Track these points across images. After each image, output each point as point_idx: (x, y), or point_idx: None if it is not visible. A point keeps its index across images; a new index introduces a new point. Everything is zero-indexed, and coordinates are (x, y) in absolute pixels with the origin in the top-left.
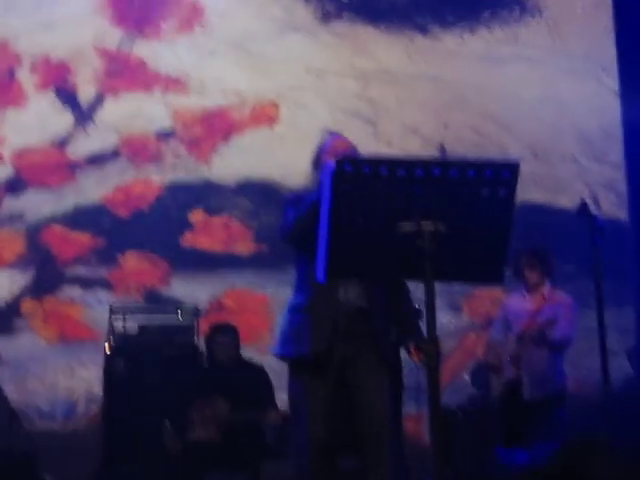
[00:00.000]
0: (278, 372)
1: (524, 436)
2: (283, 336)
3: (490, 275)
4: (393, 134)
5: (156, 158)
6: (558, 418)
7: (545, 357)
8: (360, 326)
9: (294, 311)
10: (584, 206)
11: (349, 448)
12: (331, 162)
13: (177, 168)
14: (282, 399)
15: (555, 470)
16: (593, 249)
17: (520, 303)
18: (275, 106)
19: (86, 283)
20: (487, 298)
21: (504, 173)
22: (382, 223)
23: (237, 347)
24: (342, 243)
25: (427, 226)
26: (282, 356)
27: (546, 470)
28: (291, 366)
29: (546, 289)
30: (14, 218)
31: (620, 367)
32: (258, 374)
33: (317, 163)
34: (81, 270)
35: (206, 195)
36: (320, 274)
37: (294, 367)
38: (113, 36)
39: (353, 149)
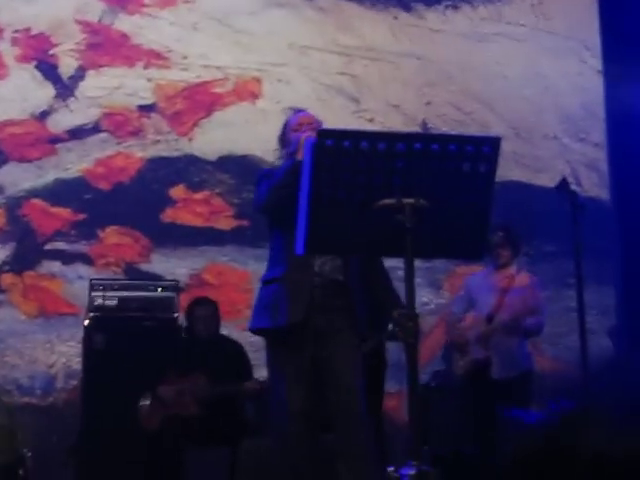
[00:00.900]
0: (256, 348)
1: (493, 415)
2: (258, 309)
3: (470, 251)
4: (376, 111)
5: (137, 132)
6: (527, 395)
7: (512, 338)
8: (336, 299)
9: (269, 283)
10: (564, 183)
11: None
12: (311, 136)
13: (158, 143)
14: (260, 375)
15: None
16: (574, 227)
17: (484, 279)
18: (258, 81)
19: (66, 257)
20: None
21: (485, 148)
22: (362, 197)
23: (217, 321)
24: (322, 217)
25: (407, 201)
26: (258, 329)
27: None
28: (267, 338)
29: (514, 268)
30: None
31: (600, 346)
32: (236, 349)
33: (283, 140)
34: (61, 244)
35: (187, 170)
36: (299, 247)
37: (270, 339)
38: (95, 9)
39: (319, 124)
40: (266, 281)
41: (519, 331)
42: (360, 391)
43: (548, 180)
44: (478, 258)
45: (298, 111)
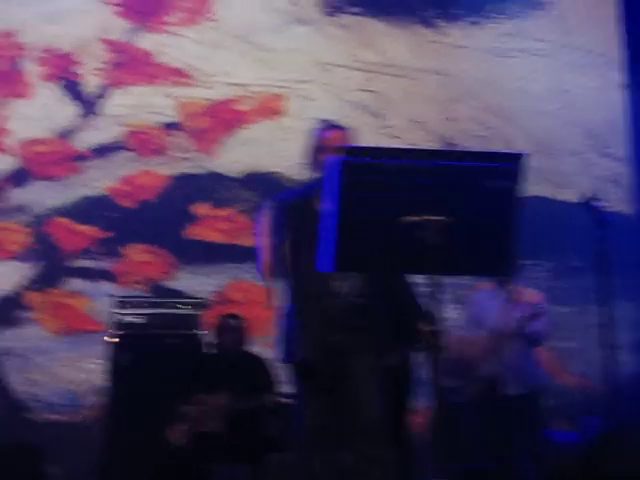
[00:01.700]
0: (282, 366)
1: (507, 430)
2: (281, 342)
3: (496, 268)
4: (399, 127)
5: (162, 150)
6: (539, 410)
7: (522, 353)
8: (355, 320)
9: (288, 317)
10: (589, 200)
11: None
12: (338, 155)
13: (183, 160)
14: (284, 391)
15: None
16: (598, 243)
17: (490, 299)
18: (281, 98)
19: (91, 275)
20: None
21: (510, 164)
22: (388, 214)
23: (244, 336)
24: (349, 234)
25: (432, 218)
26: (282, 361)
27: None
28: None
29: (514, 285)
30: (20, 210)
31: (625, 361)
32: (260, 364)
33: (309, 157)
34: (86, 262)
35: (211, 187)
36: (327, 265)
37: (293, 369)
38: (119, 28)
39: (348, 141)
40: (286, 313)
41: (524, 339)
42: (383, 413)
43: (572, 195)
44: (505, 275)
45: (327, 126)
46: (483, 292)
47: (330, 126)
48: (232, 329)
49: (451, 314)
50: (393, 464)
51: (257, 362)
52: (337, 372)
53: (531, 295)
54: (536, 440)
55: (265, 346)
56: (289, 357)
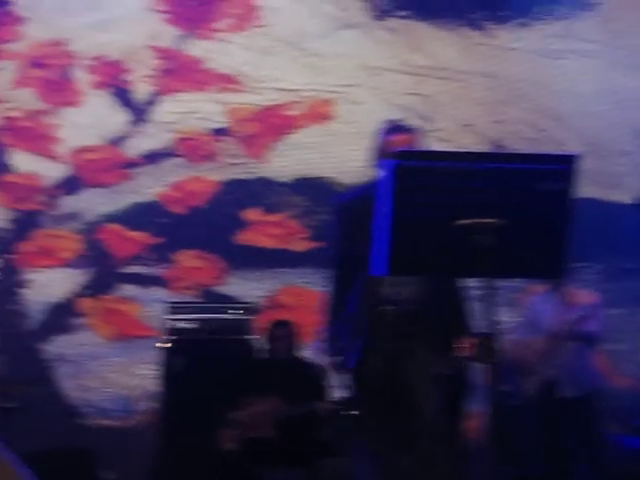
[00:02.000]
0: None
1: (563, 434)
2: (336, 348)
3: (549, 270)
4: (448, 130)
5: (211, 156)
6: (596, 413)
7: (577, 355)
8: (409, 325)
9: (344, 322)
10: None
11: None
12: (390, 159)
13: (233, 166)
14: (337, 396)
15: None
16: None
17: (545, 303)
18: (330, 103)
19: (142, 281)
20: None
21: (563, 166)
22: (441, 217)
23: (295, 342)
24: (403, 238)
25: (486, 221)
26: (338, 367)
27: None
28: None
29: (568, 288)
30: (71, 217)
31: None
32: (313, 370)
33: (378, 156)
34: (138, 268)
35: (262, 193)
36: (381, 268)
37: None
38: (168, 35)
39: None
40: (341, 317)
41: (577, 337)
42: (437, 413)
43: (623, 196)
44: (557, 277)
45: (393, 127)
46: (538, 295)
47: (396, 128)
48: (283, 336)
49: (505, 318)
50: (448, 466)
51: (309, 368)
52: (393, 376)
53: (586, 296)
54: (593, 443)
55: (316, 351)
56: (345, 362)
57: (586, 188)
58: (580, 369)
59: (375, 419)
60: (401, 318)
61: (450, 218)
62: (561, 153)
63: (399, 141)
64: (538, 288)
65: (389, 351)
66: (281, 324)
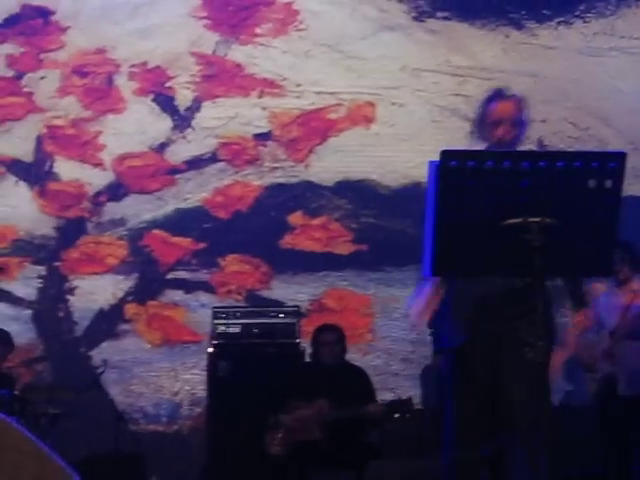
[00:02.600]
0: (379, 372)
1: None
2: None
3: (599, 268)
4: None
5: (254, 161)
6: None
7: (638, 352)
8: (515, 306)
9: (444, 306)
10: None
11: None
12: (435, 159)
13: (275, 170)
14: (382, 399)
15: None
16: None
17: (610, 299)
18: (371, 105)
19: (188, 286)
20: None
21: (611, 164)
22: (488, 218)
23: (342, 347)
24: (449, 239)
25: (534, 220)
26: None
27: None
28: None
29: (636, 284)
30: (116, 223)
31: None
32: (359, 374)
33: (482, 127)
34: (183, 274)
35: (304, 196)
36: (427, 270)
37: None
38: (209, 41)
39: (521, 115)
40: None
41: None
42: (531, 399)
43: None
44: (607, 274)
45: (497, 95)
46: (601, 296)
47: (498, 94)
48: (332, 342)
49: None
50: (539, 452)
51: (356, 372)
52: (489, 359)
53: None
54: None
55: (361, 353)
56: (444, 343)
57: (631, 186)
58: None
59: (470, 402)
60: (504, 297)
61: (497, 218)
62: (609, 150)
63: (503, 108)
64: (601, 286)
65: (488, 333)
66: (329, 329)
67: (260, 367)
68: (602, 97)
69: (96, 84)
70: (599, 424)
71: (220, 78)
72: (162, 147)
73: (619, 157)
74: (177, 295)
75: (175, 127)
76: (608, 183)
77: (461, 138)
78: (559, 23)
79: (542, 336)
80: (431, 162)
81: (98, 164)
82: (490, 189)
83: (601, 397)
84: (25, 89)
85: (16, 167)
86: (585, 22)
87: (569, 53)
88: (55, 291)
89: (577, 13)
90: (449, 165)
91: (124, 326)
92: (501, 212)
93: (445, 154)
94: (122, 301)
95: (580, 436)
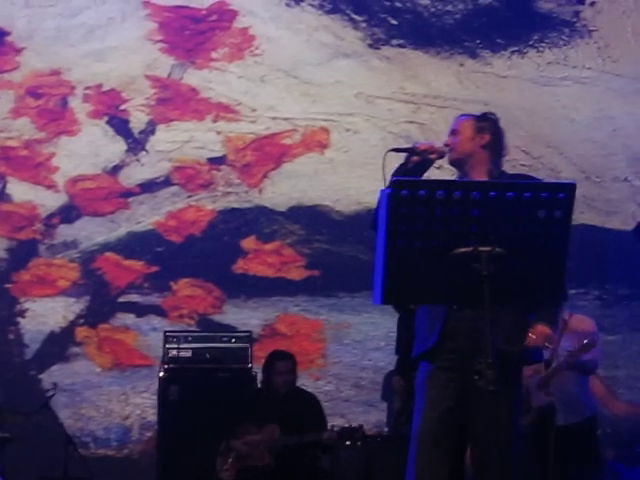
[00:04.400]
0: (330, 398)
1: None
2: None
3: (548, 297)
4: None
5: (208, 185)
6: (593, 441)
7: (575, 382)
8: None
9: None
10: (637, 227)
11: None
12: (386, 188)
13: (229, 195)
14: (335, 425)
15: None
16: None
17: None
18: (326, 131)
19: (140, 310)
20: None
21: (560, 194)
22: (438, 246)
23: (294, 375)
24: (399, 267)
25: (484, 249)
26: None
27: None
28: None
29: (565, 314)
30: (68, 246)
31: None
32: (310, 400)
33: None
34: (135, 297)
35: (258, 221)
36: (377, 298)
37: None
38: (164, 64)
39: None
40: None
41: (576, 368)
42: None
43: (620, 223)
44: (557, 303)
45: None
46: None
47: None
48: (283, 372)
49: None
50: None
51: (308, 398)
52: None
53: (585, 324)
54: (593, 470)
55: (312, 378)
56: (417, 350)
57: (582, 214)
58: (578, 395)
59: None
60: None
61: (447, 247)
62: (559, 181)
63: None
64: None
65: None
66: (282, 357)
67: (211, 392)
68: (555, 126)
69: (50, 106)
70: (536, 455)
71: (175, 102)
72: (116, 170)
73: (569, 188)
74: (129, 318)
75: (129, 150)
76: (558, 213)
77: None
78: (513, 52)
79: (491, 364)
80: (382, 190)
81: (51, 186)
82: (441, 218)
83: (538, 427)
84: None
85: None
86: (539, 52)
87: (523, 82)
88: (5, 313)
89: (531, 43)
90: (400, 194)
91: (75, 349)
92: (451, 241)
93: (396, 183)
94: (73, 324)
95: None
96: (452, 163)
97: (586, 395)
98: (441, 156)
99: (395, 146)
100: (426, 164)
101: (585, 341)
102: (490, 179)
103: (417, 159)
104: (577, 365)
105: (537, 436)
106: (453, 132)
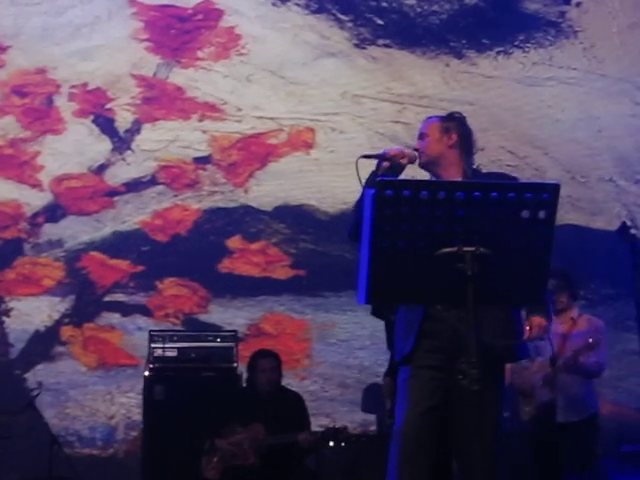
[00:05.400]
0: (315, 397)
1: (559, 459)
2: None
3: (531, 297)
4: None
5: (193, 184)
6: (592, 441)
7: (579, 381)
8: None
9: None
10: (624, 227)
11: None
12: (371, 188)
13: (214, 194)
14: (319, 424)
15: None
16: (634, 271)
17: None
18: (311, 131)
19: (125, 309)
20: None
21: (544, 195)
22: (423, 246)
23: (279, 374)
24: (383, 267)
25: (468, 249)
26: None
27: None
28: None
29: (574, 312)
30: (53, 245)
31: None
32: (295, 400)
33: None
34: (120, 296)
35: (243, 221)
36: (361, 297)
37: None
38: (150, 64)
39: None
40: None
41: (580, 369)
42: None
43: (604, 223)
44: (539, 303)
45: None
46: None
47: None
48: (268, 370)
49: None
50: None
51: (292, 398)
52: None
53: (585, 321)
54: (591, 468)
55: (298, 378)
56: (397, 356)
57: (568, 215)
58: (580, 394)
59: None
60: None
61: (432, 247)
62: (544, 182)
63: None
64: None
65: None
66: (266, 355)
67: (197, 391)
68: (540, 126)
69: (36, 104)
70: (533, 450)
71: (161, 101)
72: (101, 169)
73: (553, 188)
74: (114, 318)
75: (114, 149)
76: (542, 214)
77: None
78: (499, 53)
79: (475, 363)
80: (367, 190)
81: (36, 185)
82: (425, 218)
83: (539, 423)
84: None
85: None
86: (524, 52)
87: (508, 82)
88: None
89: (516, 43)
90: (385, 194)
91: (60, 348)
92: (436, 241)
93: (381, 183)
94: (58, 323)
95: (513, 460)
96: (423, 166)
97: (590, 395)
98: (412, 161)
99: (366, 153)
100: (397, 169)
101: (590, 340)
102: (464, 178)
103: (388, 165)
104: (581, 369)
105: (537, 432)
106: (421, 135)
